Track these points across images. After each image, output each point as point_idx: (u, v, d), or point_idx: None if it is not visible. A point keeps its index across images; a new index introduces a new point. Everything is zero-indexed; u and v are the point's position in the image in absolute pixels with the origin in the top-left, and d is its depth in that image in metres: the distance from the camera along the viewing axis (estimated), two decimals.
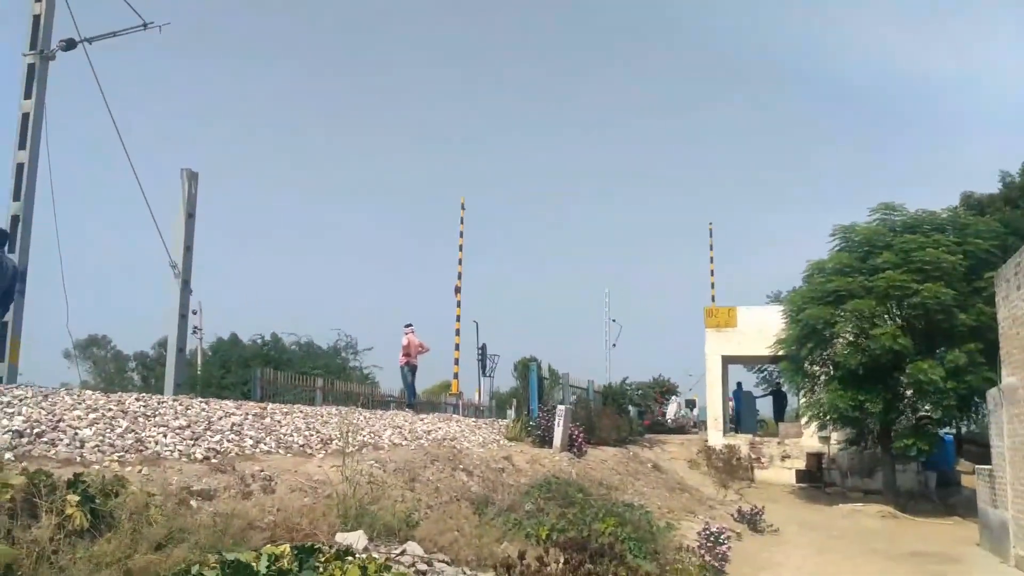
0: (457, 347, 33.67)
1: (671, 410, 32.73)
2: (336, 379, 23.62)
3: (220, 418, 9.47)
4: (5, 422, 6.75)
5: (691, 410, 37.05)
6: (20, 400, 7.62)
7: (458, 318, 34.14)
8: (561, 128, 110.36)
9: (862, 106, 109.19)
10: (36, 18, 12.41)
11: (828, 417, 20.53)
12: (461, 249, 34.93)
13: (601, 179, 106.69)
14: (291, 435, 9.91)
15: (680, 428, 32.05)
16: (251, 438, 9.05)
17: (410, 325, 19.84)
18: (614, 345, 41.95)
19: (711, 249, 39.86)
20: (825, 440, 23.63)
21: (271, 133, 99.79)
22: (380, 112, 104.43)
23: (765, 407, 29.91)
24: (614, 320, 44.26)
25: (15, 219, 11.75)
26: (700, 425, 32.82)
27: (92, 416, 7.76)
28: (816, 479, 23.69)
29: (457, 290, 34.34)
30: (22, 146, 11.91)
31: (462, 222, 35.29)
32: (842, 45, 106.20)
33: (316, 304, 76.47)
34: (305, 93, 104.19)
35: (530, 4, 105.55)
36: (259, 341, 30.59)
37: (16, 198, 11.77)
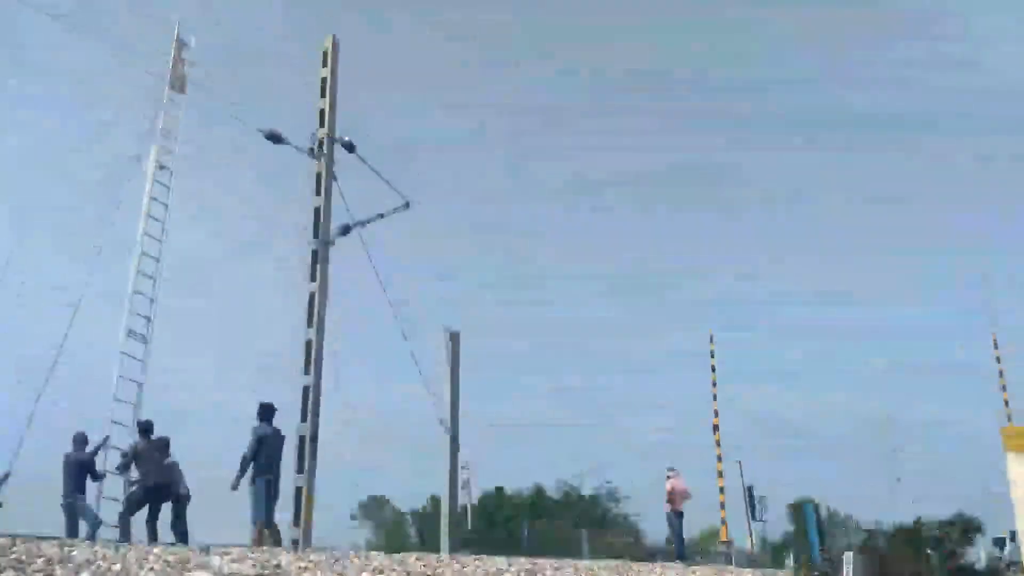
0: (721, 490, 32.01)
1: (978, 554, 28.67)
2: (599, 528, 23.26)
3: None
4: None
5: (1002, 548, 32.12)
6: (315, 564, 8.07)
7: (719, 458, 32.65)
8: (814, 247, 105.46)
9: None
10: (317, 210, 14.01)
11: None
12: (715, 384, 33.86)
13: (863, 294, 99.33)
14: None
15: (994, 572, 27.82)
16: None
17: (673, 469, 19.03)
18: (898, 479, 37.74)
19: (999, 361, 35.62)
20: None
21: (516, 291, 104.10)
22: (609, 259, 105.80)
23: None
24: (895, 450, 40.16)
25: (306, 390, 12.90)
26: (1013, 566, 28.31)
27: None
28: None
29: (715, 428, 33.10)
30: (309, 324, 13.20)
31: (712, 356, 34.34)
32: None
33: (571, 451, 76.74)
34: (536, 252, 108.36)
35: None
36: (523, 493, 31.44)
37: (306, 372, 12.96)
